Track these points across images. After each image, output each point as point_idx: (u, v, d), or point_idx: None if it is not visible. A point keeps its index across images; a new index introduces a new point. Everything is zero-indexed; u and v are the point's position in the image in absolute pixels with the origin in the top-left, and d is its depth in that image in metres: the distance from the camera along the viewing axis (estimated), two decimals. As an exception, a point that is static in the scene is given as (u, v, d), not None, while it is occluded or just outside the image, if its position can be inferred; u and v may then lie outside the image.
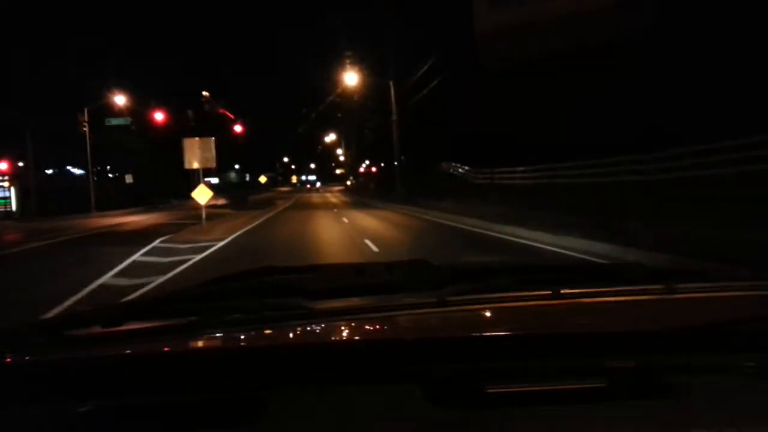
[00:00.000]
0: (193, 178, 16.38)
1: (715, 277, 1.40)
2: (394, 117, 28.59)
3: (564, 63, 13.20)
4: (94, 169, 34.54)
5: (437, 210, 19.02)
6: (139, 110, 35.44)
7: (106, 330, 1.07)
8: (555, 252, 9.37)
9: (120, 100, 32.75)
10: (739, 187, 9.97)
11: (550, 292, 1.19)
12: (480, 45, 5.28)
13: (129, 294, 6.63)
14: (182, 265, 9.09)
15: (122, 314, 1.16)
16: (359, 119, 55.42)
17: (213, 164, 17.88)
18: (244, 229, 16.01)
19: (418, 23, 29.00)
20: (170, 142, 18.27)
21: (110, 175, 49.58)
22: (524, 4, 4.91)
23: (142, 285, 7.38)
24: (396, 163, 30.71)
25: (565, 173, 18.16)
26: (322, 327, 1.10)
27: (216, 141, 17.87)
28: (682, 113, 12.84)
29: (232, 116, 49.55)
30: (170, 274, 8.25)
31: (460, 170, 30.14)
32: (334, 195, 56.67)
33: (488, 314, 1.15)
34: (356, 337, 1.12)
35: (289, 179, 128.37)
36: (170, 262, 9.52)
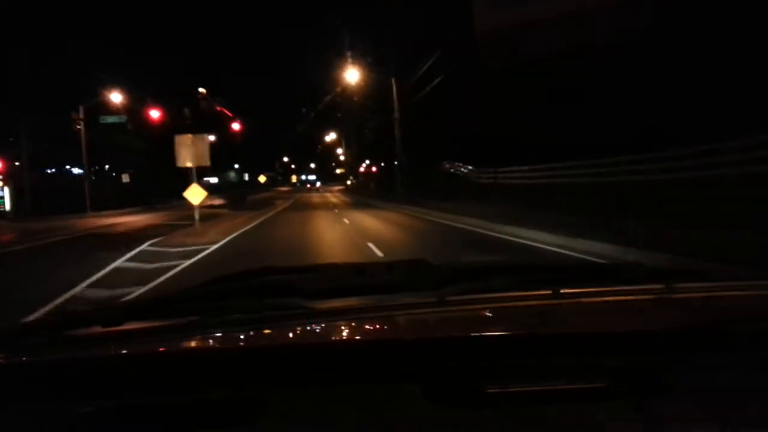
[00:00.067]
0: (188, 177, 15.90)
1: (715, 277, 1.40)
2: (397, 114, 28.46)
3: (564, 63, 13.20)
4: (94, 169, 34.50)
5: (439, 210, 18.84)
6: (136, 108, 35.33)
7: (106, 330, 1.07)
8: (577, 255, 8.91)
9: (116, 97, 32.45)
10: (740, 188, 9.97)
11: (550, 292, 1.19)
12: (480, 45, 5.28)
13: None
14: (167, 273, 8.39)
15: (122, 314, 1.16)
16: (359, 119, 55.47)
17: (207, 162, 17.04)
18: (241, 231, 15.50)
19: (418, 23, 28.99)
20: (168, 140, 17.92)
21: (114, 174, 49.56)
22: (524, 4, 4.90)
23: (118, 297, 6.50)
24: (397, 162, 30.68)
25: (573, 172, 17.90)
26: (321, 327, 1.10)
27: (216, 140, 17.55)
28: (682, 113, 12.84)
29: (230, 114, 49.10)
30: (152, 284, 7.52)
31: (462, 170, 30.11)
32: (334, 195, 56.58)
33: (488, 314, 1.15)
34: (356, 337, 1.12)
35: (289, 179, 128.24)
36: (155, 269, 8.77)
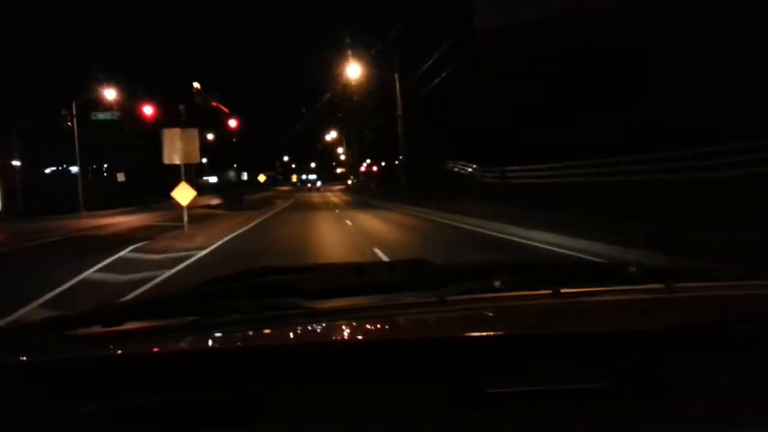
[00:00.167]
0: (185, 176, 15.29)
1: (715, 277, 1.40)
2: (399, 112, 28.13)
3: (564, 63, 13.21)
4: (91, 168, 34.32)
5: (441, 210, 18.66)
6: (130, 105, 35.11)
7: (106, 330, 1.07)
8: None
9: (110, 94, 32.08)
10: (740, 188, 9.98)
11: (550, 291, 1.19)
12: (480, 45, 5.28)
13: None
14: (141, 287, 7.26)
15: (122, 314, 1.16)
16: (360, 119, 55.48)
17: (197, 159, 16.05)
18: (235, 233, 14.50)
19: (418, 22, 28.97)
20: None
21: (110, 174, 49.54)
22: (524, 4, 4.91)
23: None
24: (398, 161, 30.55)
25: (573, 172, 17.64)
26: (321, 327, 1.10)
27: (214, 138, 17.25)
28: (682, 113, 12.84)
29: (226, 110, 48.16)
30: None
31: (468, 169, 30.02)
32: (335, 194, 56.45)
33: (488, 314, 1.15)
34: (356, 337, 1.12)
35: (290, 178, 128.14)
36: (128, 281, 7.77)
